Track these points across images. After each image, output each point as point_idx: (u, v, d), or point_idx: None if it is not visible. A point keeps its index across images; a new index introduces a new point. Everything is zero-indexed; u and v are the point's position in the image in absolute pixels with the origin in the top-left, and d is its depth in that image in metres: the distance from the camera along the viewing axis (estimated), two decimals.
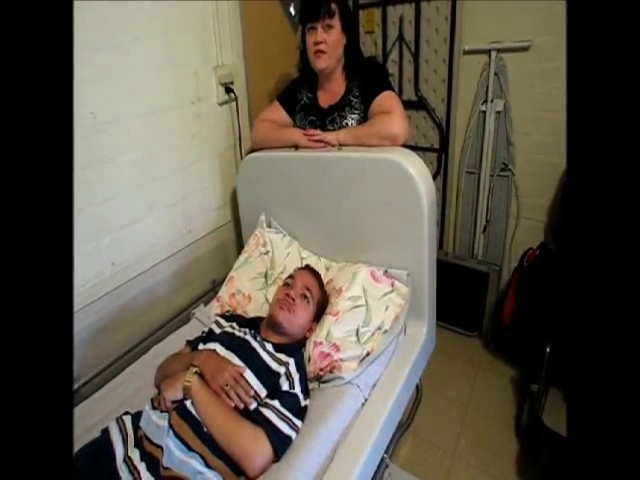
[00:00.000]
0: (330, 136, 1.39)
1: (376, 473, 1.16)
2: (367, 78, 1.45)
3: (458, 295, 2.08)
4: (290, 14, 1.98)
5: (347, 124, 1.46)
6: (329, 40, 1.38)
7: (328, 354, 1.19)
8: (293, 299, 1.21)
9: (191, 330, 1.44)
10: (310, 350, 1.20)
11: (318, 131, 1.43)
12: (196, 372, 1.04)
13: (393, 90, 1.42)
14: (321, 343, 1.20)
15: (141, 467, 0.92)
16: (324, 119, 1.50)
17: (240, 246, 1.82)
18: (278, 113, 1.58)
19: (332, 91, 1.50)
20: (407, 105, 2.06)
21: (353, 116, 1.45)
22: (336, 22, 1.38)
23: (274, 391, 1.05)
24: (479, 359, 2.04)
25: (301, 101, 1.57)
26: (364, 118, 1.44)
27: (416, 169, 1.25)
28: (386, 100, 1.38)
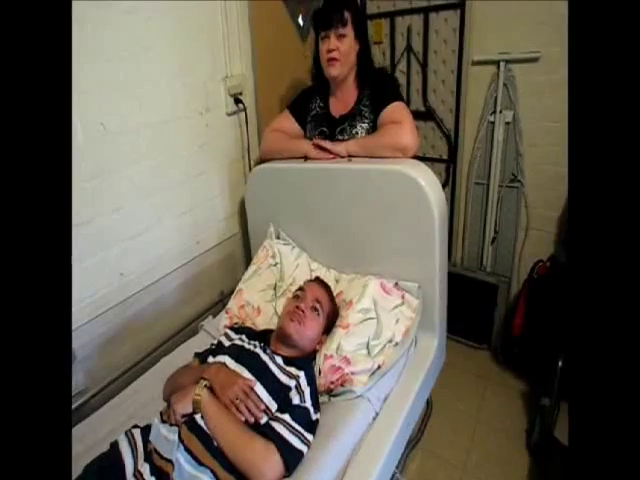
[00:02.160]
0: (339, 147, 1.39)
1: None
2: (377, 88, 1.45)
3: (467, 307, 2.06)
4: (298, 24, 1.99)
5: (357, 133, 1.45)
6: (342, 48, 1.38)
7: (339, 367, 1.18)
8: (303, 311, 1.20)
9: (199, 342, 1.43)
10: (320, 363, 1.20)
11: (327, 142, 1.42)
12: (206, 385, 1.03)
13: (403, 101, 1.42)
14: (332, 356, 1.19)
15: None
16: (334, 129, 1.50)
17: (248, 258, 1.82)
18: (288, 123, 1.58)
19: (344, 100, 1.50)
20: (415, 115, 2.02)
21: (363, 125, 1.45)
22: (349, 31, 1.38)
23: (284, 405, 1.04)
24: (488, 372, 2.01)
25: (312, 111, 1.57)
26: (373, 127, 1.43)
27: (426, 180, 1.25)
28: (396, 111, 1.38)
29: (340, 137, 1.48)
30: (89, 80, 1.21)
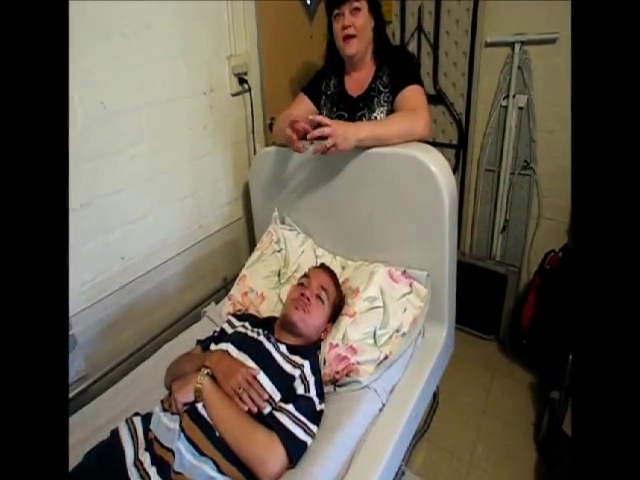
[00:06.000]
0: (349, 138, 1.19)
1: None
2: (397, 67, 1.38)
3: (475, 296, 2.01)
4: (306, 3, 1.93)
5: (375, 118, 1.39)
6: (357, 23, 1.32)
7: (345, 357, 1.15)
8: (308, 299, 1.17)
9: (202, 329, 1.41)
10: (325, 352, 1.17)
11: (336, 125, 1.18)
12: (208, 374, 1.01)
13: (421, 84, 1.36)
14: (337, 345, 1.16)
15: (152, 471, 0.90)
16: (352, 112, 1.43)
17: (252, 243, 1.78)
18: (302, 104, 1.51)
19: (360, 77, 1.44)
20: None
21: (382, 109, 1.39)
22: (363, 4, 1.33)
23: (288, 395, 1.02)
24: (496, 363, 1.99)
25: (327, 91, 1.51)
26: (392, 110, 1.38)
27: (437, 165, 1.21)
28: (414, 95, 1.32)
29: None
30: (89, 57, 1.17)
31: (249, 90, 1.68)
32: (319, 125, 1.18)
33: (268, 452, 0.90)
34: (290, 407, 0.98)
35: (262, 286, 1.44)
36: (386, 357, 1.18)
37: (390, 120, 1.31)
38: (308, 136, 1.19)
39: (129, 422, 1.01)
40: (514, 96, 1.86)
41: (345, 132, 1.17)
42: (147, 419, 1.00)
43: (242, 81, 1.65)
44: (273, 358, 1.08)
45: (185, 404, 0.98)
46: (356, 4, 1.31)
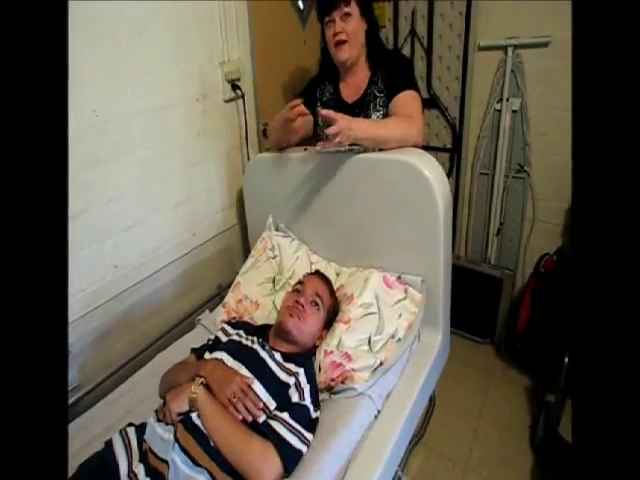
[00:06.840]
0: (345, 133, 1.18)
1: None
2: (392, 72, 1.38)
3: (470, 300, 2.01)
4: (299, 8, 1.93)
5: None
6: (348, 28, 1.33)
7: (340, 364, 1.15)
8: (303, 306, 1.17)
9: (196, 337, 1.40)
10: (320, 359, 1.16)
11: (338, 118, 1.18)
12: (202, 383, 1.00)
13: (417, 89, 1.37)
14: (332, 352, 1.16)
15: None
16: None
17: (246, 250, 1.78)
18: None
19: (355, 83, 1.44)
20: None
21: (378, 114, 1.40)
22: (354, 9, 1.33)
23: (283, 403, 1.02)
24: (492, 367, 1.99)
25: (322, 98, 1.51)
26: (387, 114, 1.38)
27: (431, 171, 1.21)
28: (408, 101, 1.32)
29: None
30: (80, 65, 1.16)
31: (242, 96, 1.67)
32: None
33: (263, 461, 0.90)
34: (285, 415, 0.98)
35: (257, 293, 1.43)
36: (381, 363, 1.18)
37: (387, 123, 1.32)
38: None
39: (123, 433, 0.99)
40: (507, 99, 1.86)
41: (351, 132, 1.17)
42: (141, 429, 0.99)
43: (235, 87, 1.65)
44: (268, 366, 1.08)
45: (179, 414, 0.97)
46: (346, 9, 1.32)
